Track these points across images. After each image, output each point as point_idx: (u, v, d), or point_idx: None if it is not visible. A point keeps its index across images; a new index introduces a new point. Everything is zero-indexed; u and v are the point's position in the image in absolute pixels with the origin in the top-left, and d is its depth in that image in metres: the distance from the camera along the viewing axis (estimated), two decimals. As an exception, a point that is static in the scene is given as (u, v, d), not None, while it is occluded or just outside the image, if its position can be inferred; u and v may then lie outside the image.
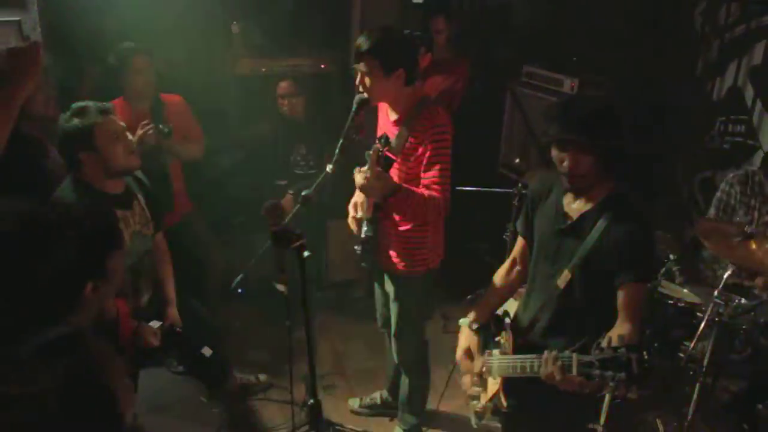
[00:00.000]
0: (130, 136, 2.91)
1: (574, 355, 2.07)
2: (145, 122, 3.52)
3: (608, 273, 2.27)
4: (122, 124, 2.89)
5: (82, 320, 1.81)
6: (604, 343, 2.03)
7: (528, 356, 2.37)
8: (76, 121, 2.73)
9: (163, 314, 3.18)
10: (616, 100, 2.34)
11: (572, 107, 2.30)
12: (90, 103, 2.79)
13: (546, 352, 2.21)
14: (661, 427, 3.65)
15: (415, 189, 2.91)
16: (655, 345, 3.62)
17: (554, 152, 2.29)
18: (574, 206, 2.38)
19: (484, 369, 2.65)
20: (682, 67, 4.98)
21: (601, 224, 2.29)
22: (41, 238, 1.70)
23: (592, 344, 2.09)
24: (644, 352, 1.92)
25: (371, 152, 2.80)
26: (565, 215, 2.40)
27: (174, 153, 3.83)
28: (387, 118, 3.08)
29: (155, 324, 3.04)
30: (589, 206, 2.35)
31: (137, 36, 3.98)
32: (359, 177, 2.82)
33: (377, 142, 2.84)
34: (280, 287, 2.50)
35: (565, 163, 2.27)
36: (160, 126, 3.58)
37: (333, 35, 5.24)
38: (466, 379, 2.76)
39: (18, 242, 1.69)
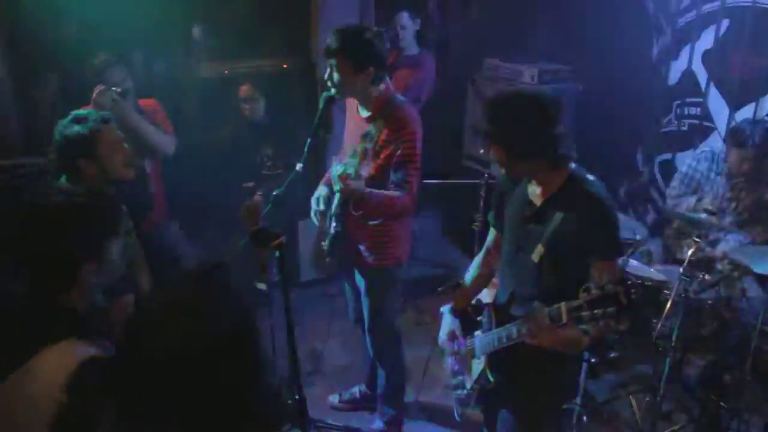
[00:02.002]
0: (127, 147, 2.90)
1: (563, 304, 2.12)
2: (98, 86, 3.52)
3: (576, 254, 2.33)
4: (121, 134, 2.88)
5: (78, 301, 1.94)
6: (591, 286, 2.08)
7: (512, 323, 2.41)
8: (77, 127, 2.72)
9: None
10: (547, 93, 2.40)
11: (492, 101, 2.40)
12: (91, 111, 2.80)
13: (534, 305, 2.25)
14: (634, 404, 3.75)
15: (384, 192, 2.97)
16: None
17: None
18: (538, 193, 2.45)
19: (468, 352, 2.70)
20: (639, 53, 5.10)
21: (561, 209, 2.35)
22: (44, 217, 1.89)
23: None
24: (629, 282, 1.98)
25: (359, 151, 2.87)
26: (530, 203, 2.47)
27: (139, 125, 3.77)
28: (357, 116, 3.12)
29: None
30: (549, 192, 2.41)
31: (98, 42, 3.94)
32: (338, 168, 2.86)
33: (363, 138, 2.92)
34: (261, 286, 2.53)
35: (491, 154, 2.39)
36: (112, 89, 3.57)
37: (294, 34, 5.25)
38: (450, 361, 2.81)
39: (21, 219, 1.91)
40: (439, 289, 4.90)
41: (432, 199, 5.62)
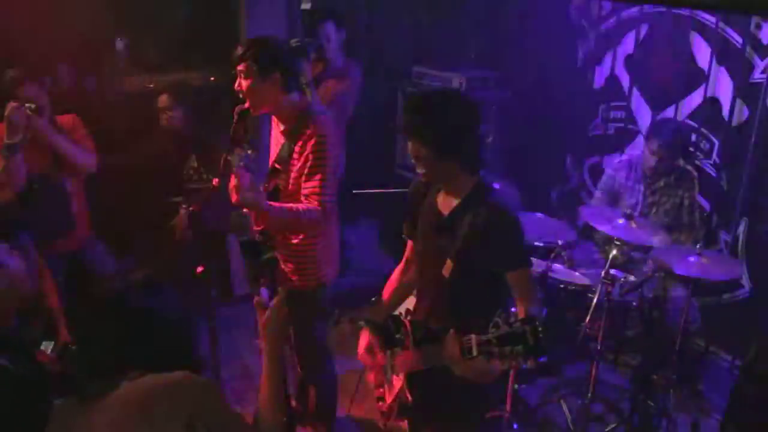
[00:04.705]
0: None
1: (473, 336, 2.10)
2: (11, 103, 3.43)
3: (484, 264, 2.34)
4: None
5: None
6: (500, 321, 2.09)
7: (428, 346, 2.43)
8: None
9: (55, 334, 3.07)
10: (465, 94, 2.43)
11: (415, 94, 2.39)
12: None
13: (447, 338, 2.24)
14: (564, 407, 3.78)
15: (285, 206, 2.91)
16: (550, 329, 3.73)
17: None
18: (445, 203, 2.45)
19: (387, 367, 2.69)
20: (564, 59, 5.17)
21: (467, 219, 2.35)
22: None
23: (485, 327, 2.15)
24: (537, 322, 1.97)
25: (228, 157, 2.80)
26: (439, 213, 2.46)
27: (55, 142, 3.67)
28: (278, 129, 3.09)
29: (47, 345, 2.92)
30: (456, 202, 2.41)
31: (20, 57, 3.84)
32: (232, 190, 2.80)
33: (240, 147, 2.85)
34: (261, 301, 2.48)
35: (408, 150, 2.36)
36: (26, 105, 3.46)
37: (221, 46, 5.18)
38: (371, 377, 2.79)
39: None
40: (374, 299, 4.87)
41: (367, 209, 5.62)
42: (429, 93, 2.42)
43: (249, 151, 2.86)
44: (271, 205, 2.86)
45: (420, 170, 2.40)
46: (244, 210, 2.99)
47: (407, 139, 2.36)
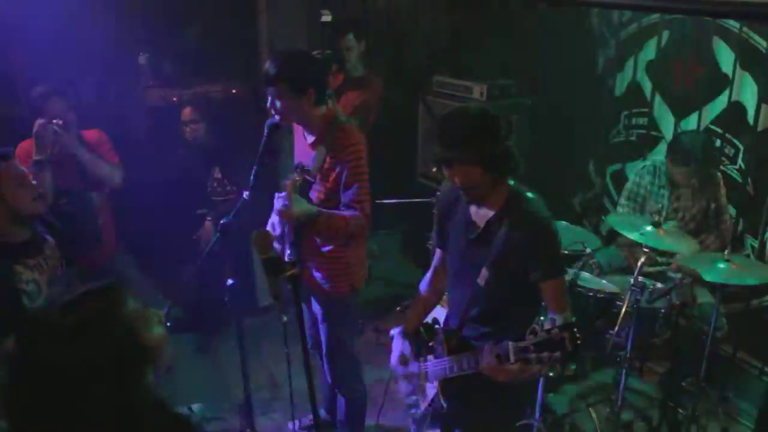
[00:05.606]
0: (34, 182, 2.82)
1: (510, 343, 2.14)
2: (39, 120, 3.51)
3: (520, 273, 2.35)
4: (23, 168, 2.79)
5: None
6: (537, 328, 2.11)
7: (462, 354, 2.45)
8: None
9: None
10: (488, 106, 2.42)
11: (447, 125, 2.37)
12: None
13: (487, 345, 2.27)
14: (594, 415, 3.76)
15: (335, 212, 2.96)
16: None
17: (444, 171, 2.36)
18: (480, 214, 2.45)
19: (420, 375, 2.70)
20: (584, 66, 5.16)
21: (503, 229, 2.36)
22: None
23: (521, 334, 2.16)
24: (575, 329, 2.00)
25: (288, 182, 2.83)
26: (474, 224, 2.47)
27: (82, 158, 3.75)
28: (304, 141, 3.11)
29: None
30: (492, 213, 2.41)
31: (42, 73, 3.90)
32: (278, 203, 2.84)
33: (294, 170, 2.87)
34: (284, 318, 2.51)
35: (456, 179, 2.34)
36: (53, 121, 3.52)
37: (242, 58, 5.24)
38: (403, 384, 2.80)
39: None
40: (398, 308, 4.88)
41: (390, 218, 5.63)
42: (459, 120, 2.34)
43: (297, 175, 2.92)
44: (322, 211, 2.92)
45: (465, 191, 2.39)
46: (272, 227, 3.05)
47: (450, 168, 2.34)
